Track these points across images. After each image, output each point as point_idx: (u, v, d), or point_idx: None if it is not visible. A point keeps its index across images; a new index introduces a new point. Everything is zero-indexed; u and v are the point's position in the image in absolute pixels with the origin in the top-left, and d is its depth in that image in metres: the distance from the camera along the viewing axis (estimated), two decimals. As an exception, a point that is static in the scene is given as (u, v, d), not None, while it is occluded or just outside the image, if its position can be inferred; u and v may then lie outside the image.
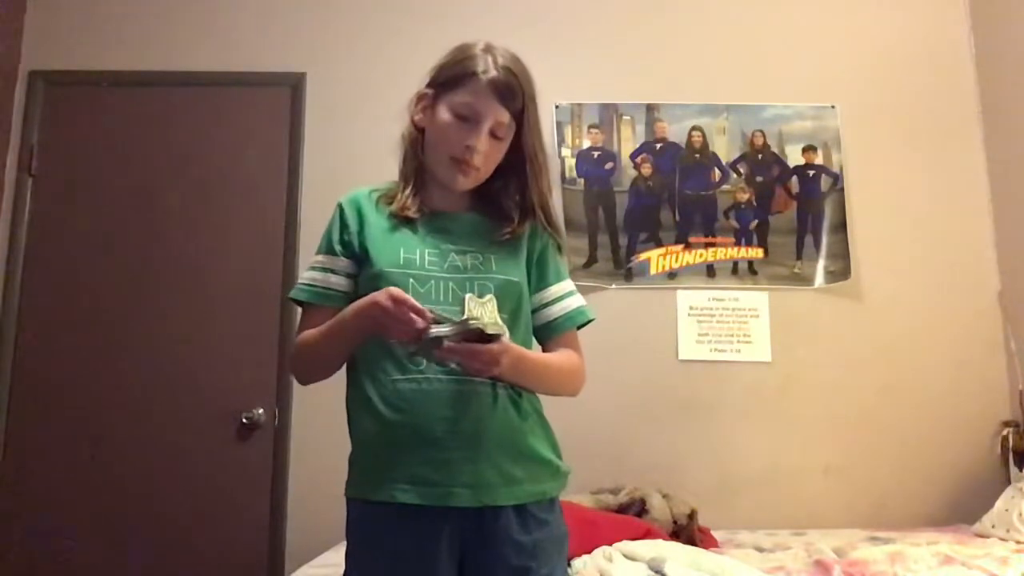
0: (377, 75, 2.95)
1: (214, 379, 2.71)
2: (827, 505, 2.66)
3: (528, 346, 1.28)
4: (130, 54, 2.95)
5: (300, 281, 1.30)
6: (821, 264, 2.84)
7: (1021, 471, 2.56)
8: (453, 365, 1.13)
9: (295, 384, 2.71)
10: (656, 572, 1.71)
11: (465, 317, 1.10)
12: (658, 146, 2.93)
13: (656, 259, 2.85)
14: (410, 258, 1.24)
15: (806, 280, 2.83)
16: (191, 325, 2.75)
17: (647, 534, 2.02)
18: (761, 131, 2.94)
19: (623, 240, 2.86)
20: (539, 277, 1.34)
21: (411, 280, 1.21)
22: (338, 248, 1.28)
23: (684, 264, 2.84)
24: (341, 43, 2.97)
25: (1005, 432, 2.67)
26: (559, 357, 1.32)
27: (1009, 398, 2.75)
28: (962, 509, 2.60)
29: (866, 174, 2.91)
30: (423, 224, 1.28)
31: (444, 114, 1.27)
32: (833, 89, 2.96)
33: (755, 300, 2.81)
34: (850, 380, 2.75)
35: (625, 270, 2.84)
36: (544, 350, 1.35)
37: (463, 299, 1.18)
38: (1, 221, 2.82)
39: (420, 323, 1.08)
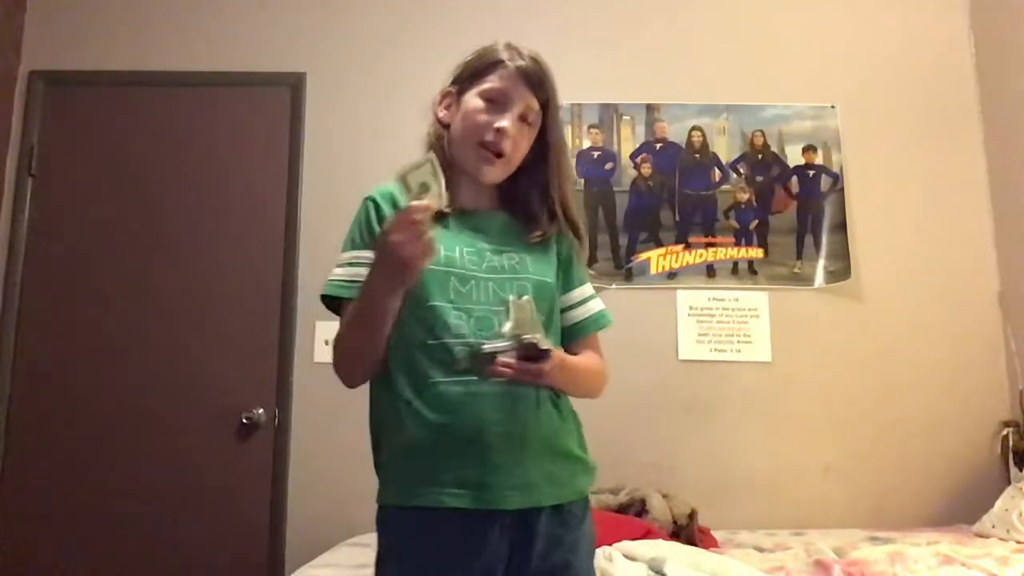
0: (377, 75, 2.95)
1: (214, 379, 2.71)
2: (827, 505, 2.66)
3: (557, 347, 1.26)
4: (130, 54, 2.95)
5: (333, 278, 1.25)
6: (821, 264, 2.84)
7: (1021, 471, 2.56)
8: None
9: (295, 384, 2.72)
10: (656, 572, 1.71)
11: (519, 333, 1.07)
12: (658, 146, 2.93)
13: (656, 259, 2.85)
14: (450, 256, 1.20)
15: (806, 280, 2.83)
16: (191, 325, 2.75)
17: (647, 534, 2.02)
18: (761, 131, 2.94)
19: (623, 240, 2.86)
20: (565, 279, 1.33)
21: (452, 279, 1.19)
22: None
23: (684, 264, 2.85)
24: (341, 43, 2.97)
25: (1005, 432, 2.67)
26: (589, 360, 1.31)
27: (1009, 398, 2.75)
28: (962, 509, 2.60)
29: (866, 174, 2.91)
30: (455, 222, 1.24)
31: (473, 100, 1.26)
32: (833, 89, 2.96)
33: (755, 300, 2.81)
34: (850, 380, 2.76)
35: (625, 270, 2.84)
36: (566, 352, 1.32)
37: (507, 302, 1.13)
38: (1, 221, 2.82)
39: (424, 214, 1.06)
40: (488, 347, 1.06)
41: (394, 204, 1.25)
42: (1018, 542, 2.14)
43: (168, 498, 2.64)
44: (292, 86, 2.92)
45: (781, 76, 2.98)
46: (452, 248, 1.21)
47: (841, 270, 2.83)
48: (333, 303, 1.25)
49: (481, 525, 1.13)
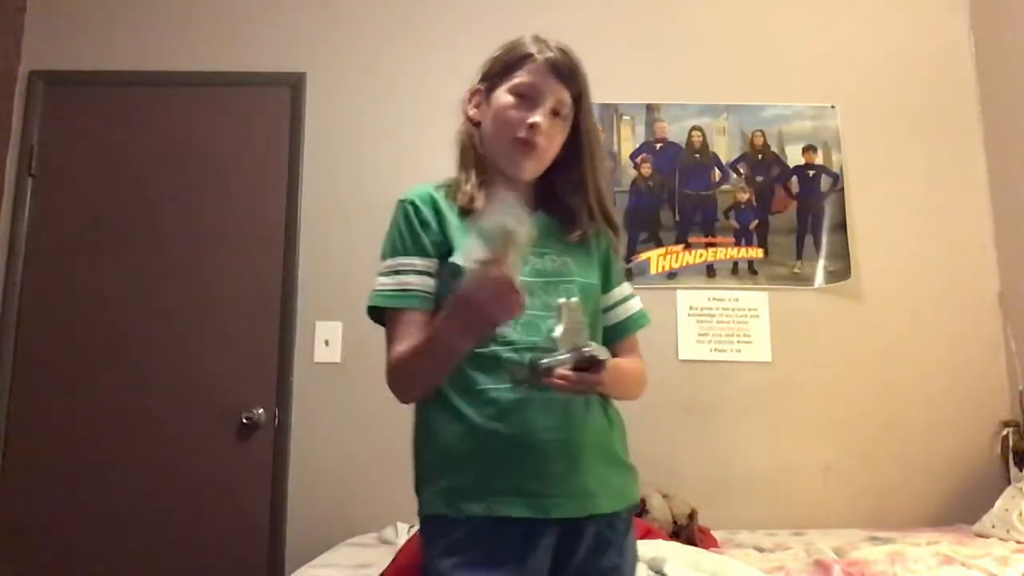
0: (377, 75, 2.95)
1: (214, 379, 2.71)
2: (827, 505, 2.66)
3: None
4: (130, 54, 2.95)
5: (379, 288, 1.20)
6: (821, 264, 2.84)
7: (1021, 471, 2.56)
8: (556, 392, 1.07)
9: (295, 384, 2.72)
10: (656, 572, 1.71)
11: (575, 341, 1.05)
12: (658, 146, 2.93)
13: (656, 259, 2.85)
14: None
15: (806, 280, 2.83)
16: (191, 325, 2.75)
17: (647, 534, 2.02)
18: (761, 131, 2.94)
19: (623, 240, 2.86)
20: (605, 279, 1.30)
21: None
22: (428, 246, 1.19)
23: (684, 264, 2.85)
24: (341, 43, 2.97)
25: (1005, 432, 2.67)
26: (633, 364, 1.29)
27: (1009, 398, 2.75)
28: (962, 509, 2.60)
29: (866, 174, 2.91)
30: None
31: (503, 97, 1.23)
32: (833, 89, 2.96)
33: (755, 300, 2.81)
34: (850, 380, 2.76)
35: (625, 270, 2.84)
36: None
37: (558, 306, 1.08)
38: (1, 221, 2.82)
39: (519, 295, 1.01)
40: (547, 362, 1.04)
41: (434, 206, 1.22)
42: (1018, 542, 2.14)
43: (168, 498, 2.64)
44: (292, 86, 2.92)
45: (781, 76, 2.98)
46: None
47: (841, 270, 2.83)
48: (377, 313, 1.21)
49: (534, 533, 1.11)
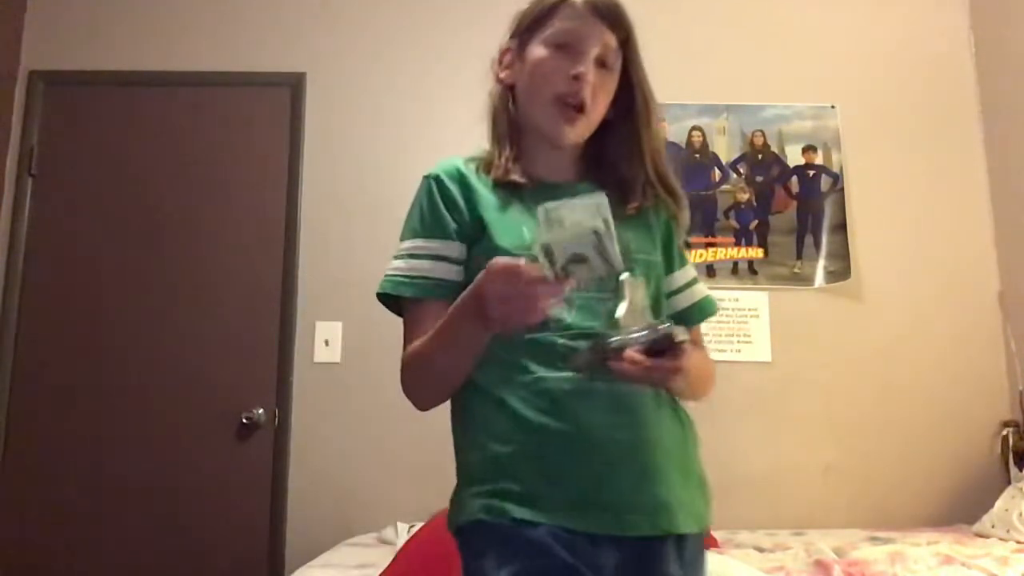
0: (377, 75, 2.95)
1: (214, 379, 2.71)
2: (827, 505, 2.66)
3: None
4: (130, 54, 2.95)
5: (391, 273, 1.05)
6: (821, 264, 2.84)
7: (1021, 471, 2.56)
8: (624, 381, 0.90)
9: (295, 384, 2.72)
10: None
11: (656, 322, 0.90)
12: (658, 146, 2.93)
13: (656, 259, 2.85)
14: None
15: (806, 280, 2.83)
16: (191, 325, 2.75)
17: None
18: (761, 131, 2.94)
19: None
20: (666, 259, 1.12)
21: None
22: (451, 228, 1.03)
23: (684, 264, 2.84)
24: (341, 43, 2.97)
25: (1005, 432, 2.67)
26: (702, 358, 1.11)
27: (1009, 398, 2.75)
28: (962, 509, 2.60)
29: (866, 174, 2.90)
30: (533, 198, 0.99)
31: (538, 50, 1.06)
32: (833, 89, 2.96)
33: (755, 300, 2.81)
34: (850, 380, 2.75)
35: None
36: None
37: (620, 282, 0.92)
38: (1, 221, 2.82)
39: (549, 291, 0.85)
40: (616, 340, 0.86)
41: (462, 181, 1.07)
42: (1018, 542, 2.14)
43: (168, 498, 2.64)
44: (292, 86, 2.92)
45: (781, 76, 2.98)
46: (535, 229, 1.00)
47: (841, 270, 2.83)
48: (392, 301, 1.06)
49: (592, 551, 0.92)
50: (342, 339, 2.75)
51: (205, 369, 2.72)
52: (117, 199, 2.84)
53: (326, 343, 2.75)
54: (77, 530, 2.62)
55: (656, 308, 1.04)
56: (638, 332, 0.87)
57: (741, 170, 2.92)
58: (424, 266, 1.03)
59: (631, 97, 1.09)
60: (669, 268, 1.13)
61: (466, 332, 0.95)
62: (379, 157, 2.87)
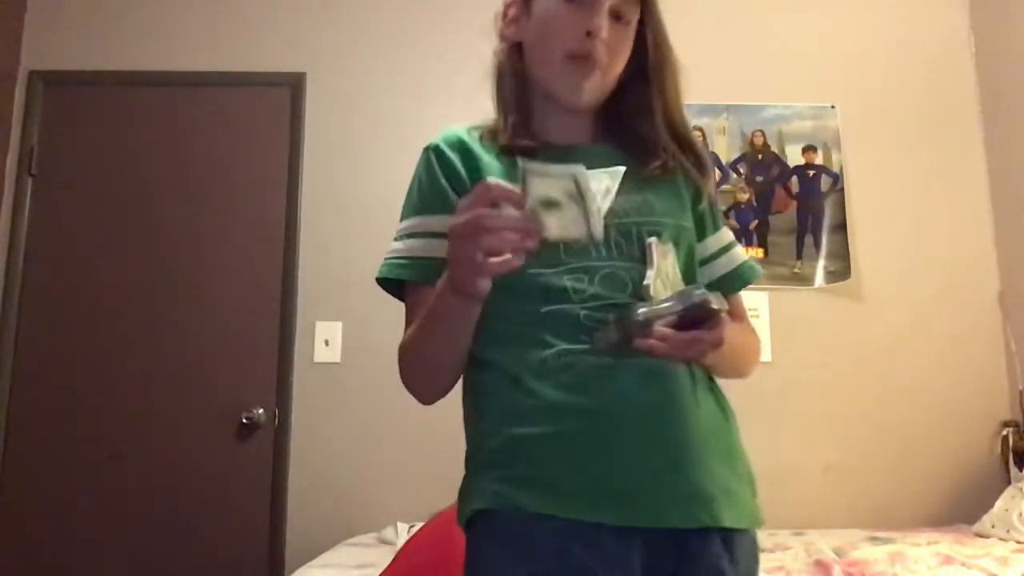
0: (377, 75, 2.95)
1: (214, 379, 2.71)
2: (827, 505, 2.66)
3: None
4: (130, 54, 2.95)
5: (388, 256, 0.97)
6: (821, 264, 2.84)
7: (1021, 471, 2.56)
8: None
9: (295, 384, 2.72)
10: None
11: (688, 288, 0.80)
12: (658, 146, 2.93)
13: (656, 259, 2.85)
14: None
15: (806, 280, 2.83)
16: (191, 325, 2.75)
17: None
18: (761, 131, 2.94)
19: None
20: (698, 224, 1.02)
21: None
22: (453, 202, 0.88)
23: (684, 264, 2.84)
24: (341, 43, 2.97)
25: (1005, 432, 2.67)
26: (743, 331, 1.02)
27: (1009, 398, 2.75)
28: (962, 509, 2.59)
29: (866, 174, 2.90)
30: (552, 160, 0.88)
31: (548, 2, 0.97)
32: (833, 89, 2.96)
33: (755, 300, 2.80)
34: (850, 380, 2.75)
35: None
36: None
37: (648, 245, 0.86)
38: (1, 221, 2.82)
39: (510, 224, 0.73)
40: (643, 312, 0.77)
41: (464, 150, 0.97)
42: (1018, 542, 2.13)
43: (168, 498, 2.64)
44: (292, 86, 2.92)
45: (781, 76, 2.98)
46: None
47: (841, 270, 2.83)
48: (393, 286, 0.98)
49: (619, 546, 0.83)
50: (342, 339, 2.75)
51: (205, 369, 2.72)
52: (117, 199, 2.84)
53: (326, 343, 2.75)
54: (77, 530, 2.62)
55: (689, 276, 0.96)
56: (668, 302, 0.77)
57: (741, 170, 2.92)
58: (423, 246, 0.94)
59: (648, 53, 0.99)
60: (701, 234, 1.03)
61: (447, 307, 0.85)
62: (379, 157, 2.87)
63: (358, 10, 3.00)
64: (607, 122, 1.03)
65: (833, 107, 2.95)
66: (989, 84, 2.94)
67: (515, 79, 1.01)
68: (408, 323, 0.96)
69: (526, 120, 0.99)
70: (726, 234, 1.07)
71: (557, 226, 0.74)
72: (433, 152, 0.99)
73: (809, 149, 2.93)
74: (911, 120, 2.94)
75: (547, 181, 0.75)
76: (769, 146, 2.93)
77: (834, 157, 2.92)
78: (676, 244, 0.94)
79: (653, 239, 0.87)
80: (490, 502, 0.87)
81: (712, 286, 0.98)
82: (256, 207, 2.85)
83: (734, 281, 1.05)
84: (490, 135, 1.00)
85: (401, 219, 1.00)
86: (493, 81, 1.04)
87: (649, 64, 0.99)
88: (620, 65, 0.99)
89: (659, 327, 0.77)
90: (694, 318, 0.78)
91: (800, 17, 3.03)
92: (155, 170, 2.87)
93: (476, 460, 0.94)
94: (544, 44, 0.98)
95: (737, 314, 1.03)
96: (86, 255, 2.80)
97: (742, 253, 1.07)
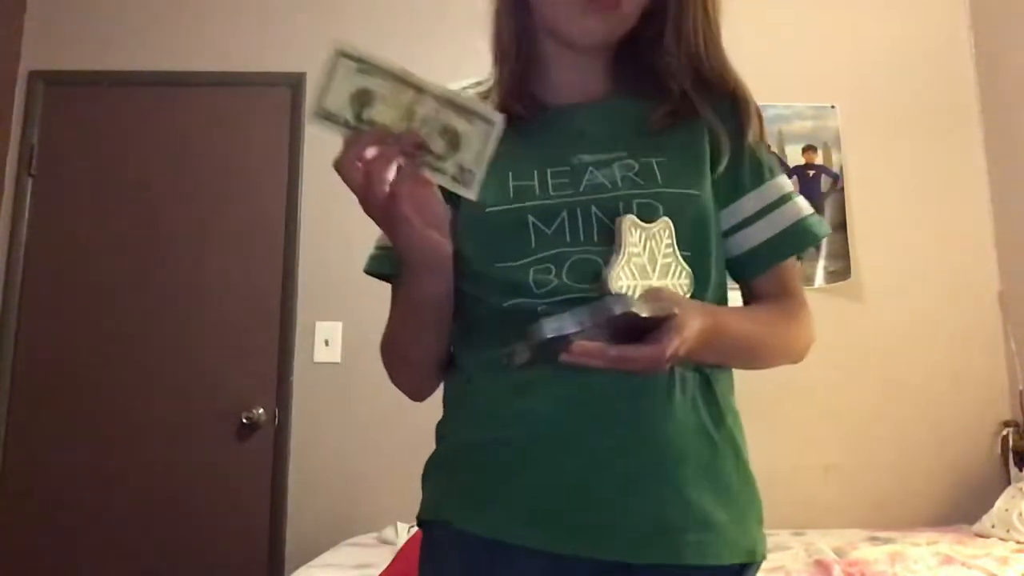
0: (377, 75, 2.94)
1: (214, 379, 2.71)
2: (827, 505, 2.66)
3: (724, 297, 0.84)
4: (130, 54, 2.94)
5: (373, 246, 0.90)
6: (821, 264, 2.84)
7: (1021, 471, 2.56)
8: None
9: (295, 384, 2.72)
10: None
11: (615, 296, 0.66)
12: (658, 146, 2.93)
13: (656, 259, 2.84)
14: (525, 186, 0.79)
15: (806, 280, 2.83)
16: (191, 325, 2.75)
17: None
18: (761, 131, 2.93)
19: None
20: (724, 184, 0.84)
21: (530, 218, 0.77)
22: None
23: (684, 264, 2.84)
24: (341, 43, 2.97)
25: (1005, 432, 2.67)
26: (770, 314, 0.86)
27: (1009, 398, 2.75)
28: (962, 509, 2.59)
29: (866, 174, 2.90)
30: (540, 129, 0.82)
31: None
32: (833, 89, 2.96)
33: (755, 300, 2.81)
34: (850, 380, 2.75)
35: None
36: (745, 293, 0.88)
37: (617, 223, 0.73)
38: (1, 221, 2.82)
39: (364, 140, 0.68)
40: (549, 328, 0.63)
41: None
42: (1018, 542, 2.13)
43: (168, 498, 2.64)
44: (292, 86, 2.92)
45: (781, 76, 2.97)
46: (528, 174, 0.79)
47: (841, 270, 2.83)
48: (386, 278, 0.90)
49: (554, 575, 0.74)
50: (342, 339, 2.75)
51: (205, 369, 2.72)
52: (117, 199, 2.84)
53: (326, 343, 2.75)
54: (77, 530, 2.62)
55: (703, 254, 0.80)
56: (579, 315, 0.63)
57: (741, 170, 2.92)
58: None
59: None
60: (738, 191, 0.85)
61: (406, 290, 0.79)
62: (379, 157, 2.87)
63: (358, 10, 3.00)
64: (626, 71, 0.87)
65: (833, 107, 2.95)
66: (989, 84, 2.94)
67: (514, 17, 0.86)
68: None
69: (525, 69, 0.85)
70: (771, 190, 0.86)
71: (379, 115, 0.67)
72: None
73: (809, 149, 2.93)
74: (911, 120, 2.94)
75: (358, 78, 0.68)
76: (769, 146, 2.93)
77: (834, 157, 2.92)
78: (677, 217, 0.77)
79: (628, 217, 0.73)
80: (425, 512, 0.83)
81: (749, 255, 0.84)
82: (256, 207, 2.84)
83: (781, 245, 0.85)
84: (483, 96, 0.88)
85: None
86: (492, 26, 0.90)
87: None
88: (639, 4, 0.82)
89: (582, 344, 0.63)
90: (640, 327, 0.65)
91: (800, 17, 3.02)
92: (155, 170, 2.86)
93: (429, 459, 0.88)
94: None
95: (779, 284, 0.86)
96: (86, 255, 2.80)
97: (796, 211, 0.86)
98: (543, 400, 0.75)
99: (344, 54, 0.71)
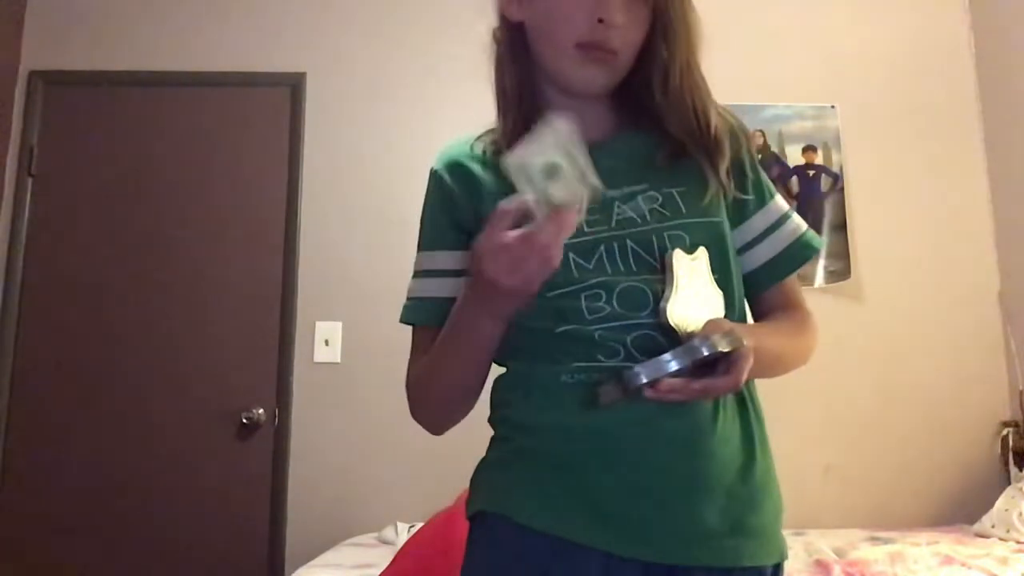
0: (377, 75, 2.95)
1: (214, 379, 2.71)
2: (827, 505, 2.66)
3: (744, 314, 0.91)
4: (130, 54, 2.95)
5: (407, 295, 0.95)
6: (821, 264, 2.84)
7: (1021, 471, 2.56)
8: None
9: (295, 384, 2.72)
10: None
11: (695, 342, 0.73)
12: (658, 146, 2.93)
13: (656, 259, 2.84)
14: None
15: (806, 280, 2.83)
16: (191, 325, 2.75)
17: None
18: (761, 131, 2.94)
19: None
20: (738, 205, 0.92)
21: (571, 255, 0.82)
22: (452, 235, 0.89)
23: (684, 264, 2.84)
24: (341, 43, 2.97)
25: (1005, 432, 2.67)
26: (789, 327, 0.92)
27: (1009, 398, 2.75)
28: (962, 509, 2.60)
29: (866, 174, 2.90)
30: None
31: None
32: (833, 89, 2.96)
33: (755, 300, 2.81)
34: (850, 380, 2.75)
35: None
36: (754, 307, 0.94)
37: (668, 258, 0.79)
38: (1, 221, 2.82)
39: (547, 226, 0.70)
40: (644, 374, 0.71)
41: (462, 173, 0.90)
42: (1018, 542, 2.14)
43: (168, 498, 2.64)
44: (292, 86, 2.92)
45: (781, 76, 2.98)
46: None
47: (841, 270, 2.83)
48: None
49: (609, 574, 0.79)
50: (342, 339, 2.75)
51: (205, 369, 2.72)
52: (117, 199, 2.84)
53: (326, 343, 2.75)
54: (77, 530, 2.62)
55: (726, 276, 0.86)
56: (672, 360, 0.71)
57: (741, 170, 2.92)
58: (426, 286, 0.92)
59: (659, 23, 0.89)
60: (742, 214, 0.92)
61: (471, 328, 0.83)
62: (379, 157, 2.87)
63: (358, 10, 3.00)
64: (631, 109, 0.91)
65: (833, 107, 2.95)
66: (989, 84, 2.94)
67: (517, 65, 0.90)
68: (413, 360, 0.93)
69: (529, 117, 0.86)
70: (770, 212, 0.94)
71: (566, 194, 0.70)
72: (434, 179, 0.94)
73: (809, 149, 2.93)
74: (911, 120, 2.94)
75: (531, 160, 0.71)
76: (769, 146, 2.93)
77: (834, 157, 2.92)
78: (706, 246, 0.84)
79: (675, 252, 0.79)
80: (484, 504, 0.86)
81: (760, 271, 0.92)
82: (256, 207, 2.84)
83: (784, 263, 0.93)
84: (495, 145, 0.92)
85: (417, 249, 0.96)
86: (492, 70, 0.94)
87: (660, 33, 0.88)
88: (638, 44, 0.88)
89: (669, 382, 0.72)
90: (707, 362, 0.73)
91: (800, 17, 3.02)
92: (155, 170, 2.87)
93: (489, 453, 0.91)
94: (550, 29, 0.87)
95: (786, 298, 0.94)
96: (86, 255, 2.80)
97: (794, 226, 0.95)
98: (605, 416, 0.80)
99: (560, 128, 0.71)
